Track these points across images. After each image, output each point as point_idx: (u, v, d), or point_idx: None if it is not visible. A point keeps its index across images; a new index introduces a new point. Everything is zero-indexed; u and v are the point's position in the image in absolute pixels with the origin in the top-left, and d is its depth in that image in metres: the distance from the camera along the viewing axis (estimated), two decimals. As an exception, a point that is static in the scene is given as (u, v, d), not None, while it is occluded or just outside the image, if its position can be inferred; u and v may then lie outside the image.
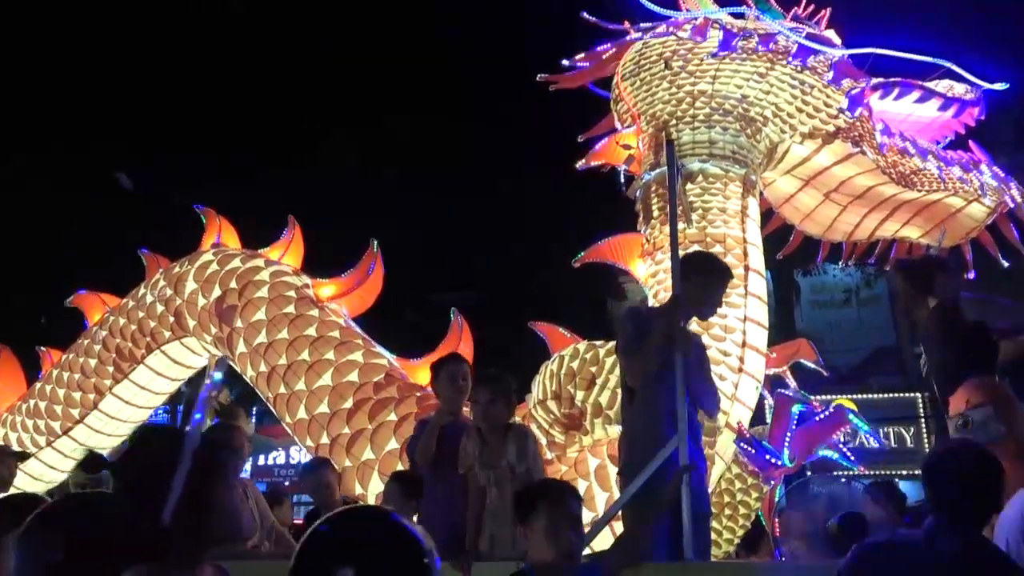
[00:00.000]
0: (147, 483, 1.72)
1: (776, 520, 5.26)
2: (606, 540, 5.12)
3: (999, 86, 6.63)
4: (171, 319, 7.29)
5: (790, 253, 7.46)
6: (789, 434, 5.02)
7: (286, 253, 7.31)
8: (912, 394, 18.59)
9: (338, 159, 15.59)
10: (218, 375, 1.95)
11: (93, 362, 7.67)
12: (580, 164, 6.42)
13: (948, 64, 6.45)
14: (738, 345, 5.64)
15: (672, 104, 6.28)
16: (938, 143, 6.77)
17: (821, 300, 21.61)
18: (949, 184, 6.22)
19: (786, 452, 4.97)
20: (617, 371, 5.09)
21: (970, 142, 6.72)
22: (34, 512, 1.91)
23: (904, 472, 16.48)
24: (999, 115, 6.95)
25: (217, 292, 7.02)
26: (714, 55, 6.12)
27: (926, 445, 17.56)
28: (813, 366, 6.34)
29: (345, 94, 15.83)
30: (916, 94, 6.48)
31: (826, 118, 6.26)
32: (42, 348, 8.49)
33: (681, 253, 4.27)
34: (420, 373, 6.55)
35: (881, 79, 6.45)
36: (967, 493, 2.67)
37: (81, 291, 8.32)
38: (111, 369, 7.58)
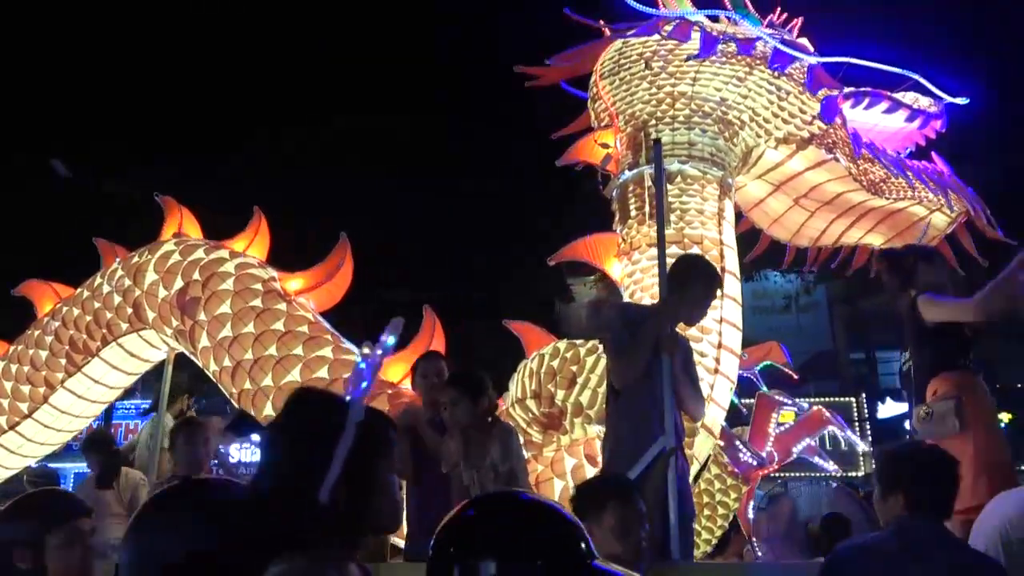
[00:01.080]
0: (309, 457, 1.43)
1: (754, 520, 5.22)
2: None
3: (961, 100, 6.73)
4: (129, 311, 6.93)
5: (757, 257, 7.46)
6: (772, 435, 4.97)
7: (251, 245, 7.02)
8: (847, 398, 19.05)
9: (288, 153, 15.20)
10: (391, 340, 1.65)
11: (44, 354, 7.25)
12: (559, 161, 6.30)
13: (916, 76, 6.52)
14: (714, 346, 5.59)
15: (652, 104, 6.20)
16: (898, 153, 6.84)
17: (762, 306, 21.97)
18: (916, 193, 6.28)
19: (767, 453, 4.92)
20: (598, 371, 5.00)
21: (932, 153, 6.81)
22: (148, 500, 1.68)
23: (839, 474, 16.82)
24: (958, 128, 7.04)
25: (179, 283, 6.69)
26: (695, 57, 6.06)
27: (859, 448, 17.97)
28: (783, 368, 6.34)
29: (302, 87, 15.47)
30: (884, 104, 6.54)
31: (801, 124, 6.26)
32: (-15, 339, 8.04)
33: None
34: (391, 370, 6.35)
35: (852, 88, 6.50)
36: (931, 489, 2.77)
37: (31, 279, 7.89)
38: (63, 362, 7.18)
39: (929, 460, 2.88)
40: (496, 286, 14.56)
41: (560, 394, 5.09)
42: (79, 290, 7.40)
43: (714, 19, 6.70)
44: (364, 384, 1.49)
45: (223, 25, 14.97)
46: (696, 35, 6.19)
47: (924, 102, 6.66)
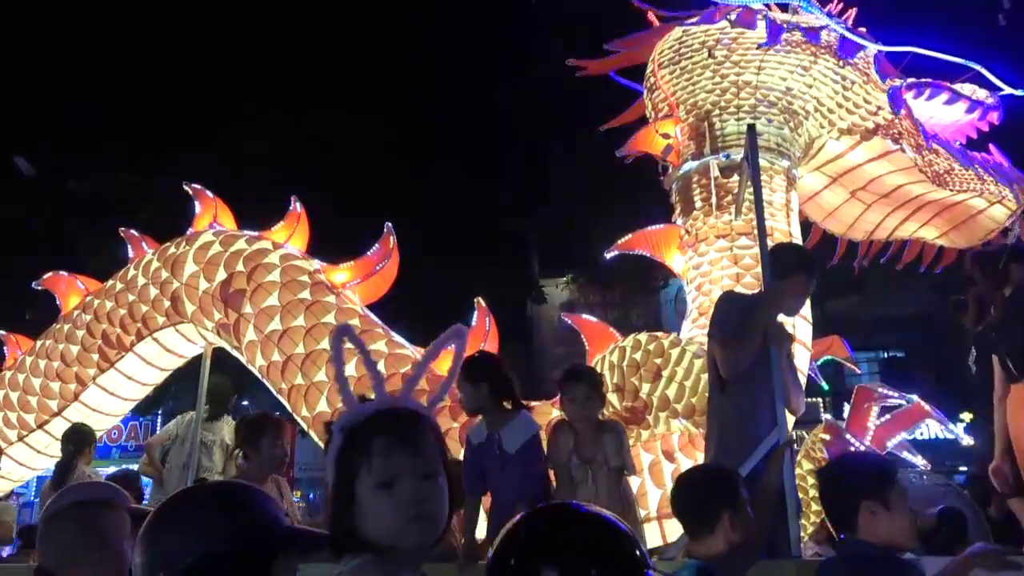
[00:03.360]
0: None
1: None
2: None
3: (1020, 92, 6.78)
4: (166, 303, 6.83)
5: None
6: (871, 428, 4.99)
7: (292, 236, 6.93)
8: (814, 399, 19.38)
9: (256, 151, 14.99)
10: None
11: (75, 349, 7.14)
12: (619, 152, 6.29)
13: (977, 67, 6.56)
14: (787, 340, 5.59)
15: (716, 94, 6.22)
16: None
17: (733, 307, 22.24)
18: (982, 185, 6.31)
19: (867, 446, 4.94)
20: (684, 363, 5.00)
21: (990, 145, 6.87)
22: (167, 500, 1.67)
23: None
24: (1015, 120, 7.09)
25: (222, 275, 6.60)
26: (761, 46, 6.06)
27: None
28: (846, 363, 6.36)
29: (268, 84, 15.25)
30: (945, 96, 6.58)
31: (865, 114, 6.31)
32: (5, 333, 7.89)
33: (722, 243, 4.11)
34: (443, 366, 6.28)
35: (914, 79, 6.53)
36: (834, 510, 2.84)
37: (52, 272, 7.78)
38: (96, 357, 7.07)
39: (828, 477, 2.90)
40: (467, 286, 14.52)
41: (645, 388, 5.07)
42: (110, 282, 7.29)
43: (769, 7, 6.71)
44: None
45: (189, 21, 14.87)
46: (761, 23, 6.20)
47: (982, 93, 6.72)
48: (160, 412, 19.02)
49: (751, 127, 4.50)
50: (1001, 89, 6.72)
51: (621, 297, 17.53)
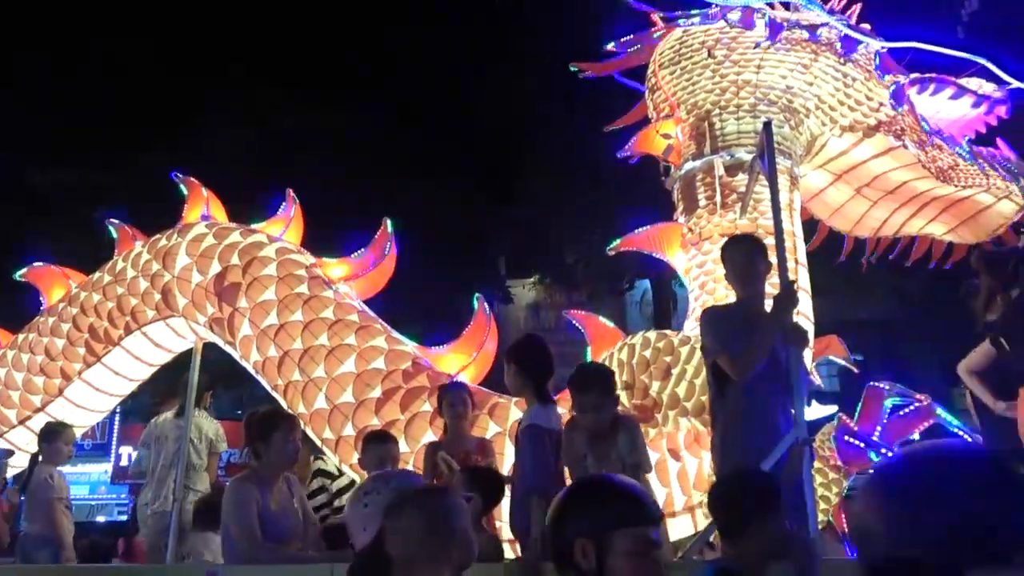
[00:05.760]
0: None
1: (844, 514, 5.81)
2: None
3: None
4: (157, 297, 7.33)
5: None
6: (879, 427, 5.58)
7: (287, 230, 7.46)
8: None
9: (224, 148, 15.54)
10: None
11: (60, 343, 7.65)
12: (620, 152, 6.88)
13: (982, 61, 7.16)
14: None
15: (716, 93, 6.81)
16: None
17: (698, 311, 22.83)
18: (987, 180, 6.92)
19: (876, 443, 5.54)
20: (694, 361, 5.58)
21: (998, 139, 7.48)
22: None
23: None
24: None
25: (216, 268, 7.10)
26: (760, 45, 6.66)
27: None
28: (843, 362, 6.98)
29: (239, 78, 15.89)
30: (950, 91, 7.19)
31: (868, 111, 6.91)
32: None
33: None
34: (443, 362, 6.86)
35: (917, 74, 7.14)
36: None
37: (36, 263, 8.30)
38: (82, 351, 7.58)
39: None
40: (434, 285, 15.17)
41: (655, 385, 5.65)
42: (98, 274, 7.80)
43: (770, 6, 7.30)
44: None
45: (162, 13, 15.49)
46: (760, 22, 6.80)
47: (988, 87, 7.32)
48: (119, 411, 19.46)
49: (767, 124, 4.87)
50: (1009, 83, 7.33)
51: (587, 298, 18.50)
